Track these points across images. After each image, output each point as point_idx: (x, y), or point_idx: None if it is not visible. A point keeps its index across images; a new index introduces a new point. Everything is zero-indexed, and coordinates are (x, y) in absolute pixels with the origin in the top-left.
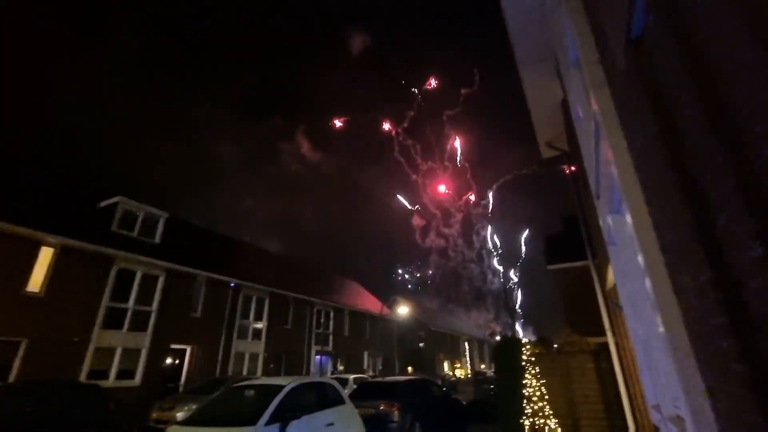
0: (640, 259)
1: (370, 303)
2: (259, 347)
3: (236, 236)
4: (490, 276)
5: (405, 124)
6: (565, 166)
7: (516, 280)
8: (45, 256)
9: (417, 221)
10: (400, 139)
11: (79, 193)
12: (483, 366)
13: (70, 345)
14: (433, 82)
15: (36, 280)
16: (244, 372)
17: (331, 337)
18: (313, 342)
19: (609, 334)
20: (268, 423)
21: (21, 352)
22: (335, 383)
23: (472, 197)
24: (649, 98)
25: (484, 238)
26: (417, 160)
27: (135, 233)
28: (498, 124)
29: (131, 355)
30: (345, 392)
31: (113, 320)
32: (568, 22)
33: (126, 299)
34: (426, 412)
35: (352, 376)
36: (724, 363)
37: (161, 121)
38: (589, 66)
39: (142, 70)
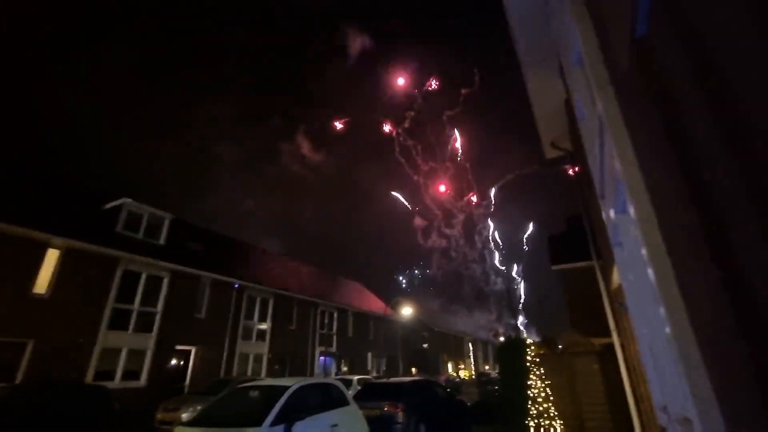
0: (646, 259)
1: (373, 304)
2: (264, 348)
3: (239, 237)
4: (492, 276)
5: (406, 125)
6: (568, 166)
7: (519, 279)
8: (51, 257)
9: (419, 222)
10: (401, 139)
11: (84, 194)
12: (487, 367)
13: (76, 346)
14: (434, 83)
15: (42, 282)
16: (249, 373)
17: (335, 338)
18: (317, 343)
19: (614, 335)
20: (273, 424)
21: (27, 353)
22: (340, 384)
23: (474, 198)
24: (654, 98)
25: (487, 238)
26: (418, 161)
27: (140, 235)
28: (500, 124)
29: (136, 356)
30: (349, 393)
31: (119, 321)
32: (572, 22)
33: (131, 300)
34: (430, 413)
35: (356, 377)
36: (732, 364)
37: (163, 122)
38: (593, 65)
39: (143, 72)
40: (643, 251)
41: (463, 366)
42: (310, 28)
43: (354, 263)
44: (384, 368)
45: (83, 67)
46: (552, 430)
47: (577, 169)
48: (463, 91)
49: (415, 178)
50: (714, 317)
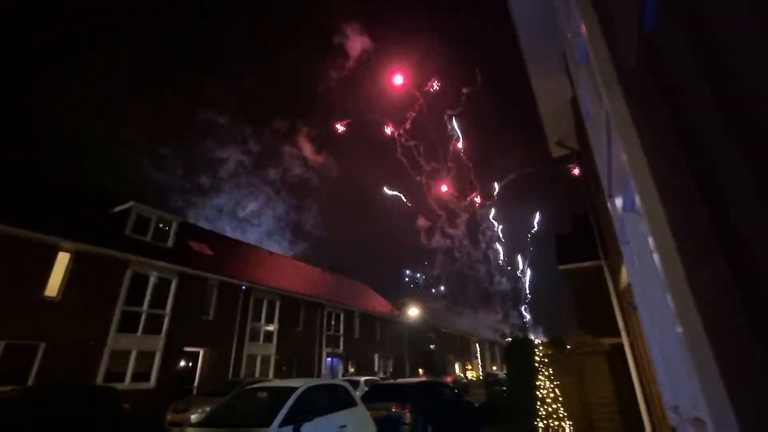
0: (655, 258)
1: (379, 305)
2: (271, 350)
3: (245, 239)
4: (497, 276)
5: (408, 126)
6: (574, 165)
7: (525, 279)
8: (62, 261)
9: (422, 222)
10: (403, 140)
11: (93, 198)
12: (495, 368)
13: (87, 348)
14: (435, 85)
15: (53, 285)
16: (257, 374)
17: (341, 340)
18: (324, 344)
19: (623, 334)
20: (281, 425)
21: (39, 356)
22: (347, 385)
23: (478, 199)
24: (662, 95)
25: (491, 238)
26: (421, 162)
27: (148, 238)
28: (503, 123)
29: (146, 358)
30: (357, 394)
31: (128, 324)
32: (577, 18)
33: (140, 303)
34: (438, 414)
35: (363, 378)
36: (745, 363)
37: (167, 126)
38: (599, 62)
39: (146, 77)
40: (652, 249)
41: (470, 367)
42: (310, 29)
43: (359, 264)
44: (391, 369)
45: (88, 72)
46: (561, 430)
47: (582, 167)
48: (465, 90)
49: (418, 178)
50: (725, 315)
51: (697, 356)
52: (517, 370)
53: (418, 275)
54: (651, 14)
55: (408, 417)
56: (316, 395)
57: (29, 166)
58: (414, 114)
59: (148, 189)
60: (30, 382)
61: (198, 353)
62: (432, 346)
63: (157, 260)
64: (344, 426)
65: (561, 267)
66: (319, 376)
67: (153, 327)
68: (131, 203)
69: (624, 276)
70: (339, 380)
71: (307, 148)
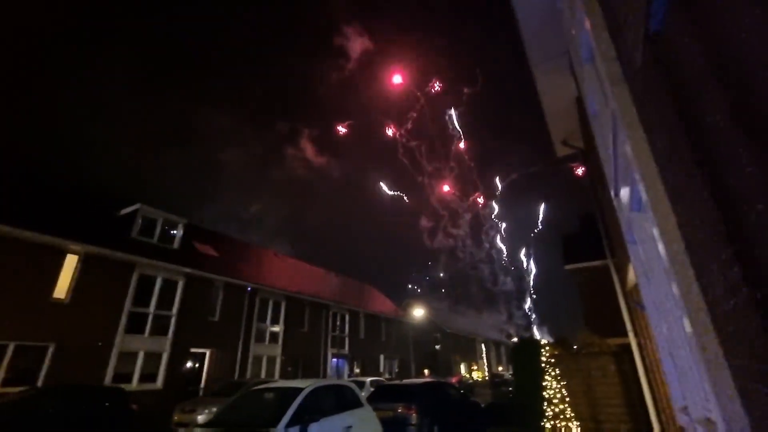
0: (664, 257)
1: (384, 306)
2: (276, 350)
3: (250, 240)
4: (501, 276)
5: (409, 126)
6: (578, 164)
7: (528, 275)
8: (70, 263)
9: (425, 223)
10: (404, 141)
11: (100, 201)
12: (500, 368)
13: (95, 349)
14: (437, 86)
15: (62, 287)
16: (262, 375)
17: (347, 340)
18: (329, 345)
19: (631, 334)
20: (288, 425)
21: (48, 357)
22: (353, 386)
23: (481, 199)
24: (670, 94)
25: (494, 238)
26: (423, 162)
27: (155, 239)
28: (506, 122)
29: (153, 358)
30: (363, 395)
31: (135, 325)
32: (583, 17)
33: (147, 304)
34: (444, 415)
35: (368, 379)
36: (756, 363)
37: (170, 129)
38: (605, 62)
39: (149, 80)
40: (661, 249)
41: (475, 367)
42: (311, 30)
43: (364, 265)
44: (396, 370)
45: (93, 76)
46: (568, 431)
47: (586, 166)
48: (466, 90)
49: (420, 178)
50: (736, 315)
51: (707, 356)
52: (523, 370)
53: (424, 275)
54: (657, 13)
55: (414, 417)
56: (322, 396)
57: (37, 169)
58: (415, 114)
59: (153, 191)
60: (40, 382)
61: (204, 354)
62: (437, 347)
63: (163, 262)
64: (350, 427)
65: (567, 267)
66: (324, 376)
67: (160, 328)
68: (137, 205)
69: (631, 275)
70: (345, 381)
71: (311, 150)
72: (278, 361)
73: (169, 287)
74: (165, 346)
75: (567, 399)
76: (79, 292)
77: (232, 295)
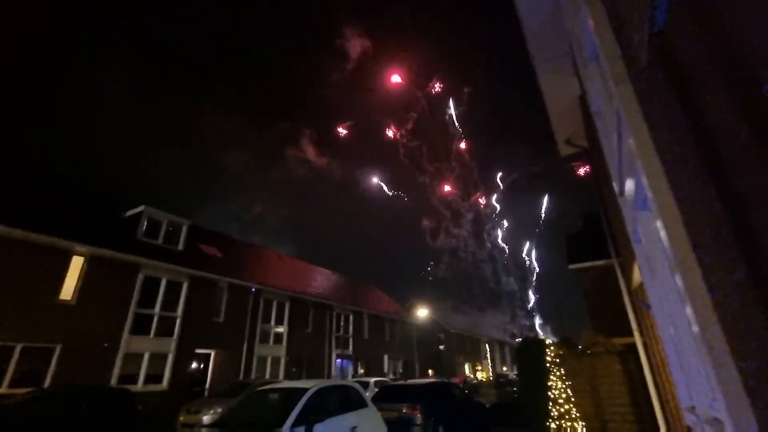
0: (669, 256)
1: (388, 306)
2: (281, 351)
3: (254, 241)
4: (504, 277)
5: (410, 126)
6: (582, 163)
7: (531, 275)
8: (76, 265)
9: (427, 223)
10: (405, 141)
11: (105, 203)
12: (505, 368)
13: (101, 351)
14: (437, 86)
15: (68, 289)
16: (267, 375)
17: (351, 341)
18: (333, 345)
19: (636, 334)
20: (293, 426)
21: (55, 358)
22: (358, 386)
23: (483, 200)
24: (675, 92)
25: (496, 237)
26: (424, 162)
27: (159, 241)
28: (508, 122)
29: (158, 360)
30: (367, 395)
31: (141, 326)
32: (586, 16)
33: (152, 305)
34: (448, 415)
35: (373, 380)
36: (763, 362)
37: (171, 130)
38: (609, 61)
39: (149, 80)
40: (667, 248)
41: (480, 367)
42: (312, 31)
43: (367, 265)
44: (400, 370)
45: (94, 77)
46: (573, 431)
47: (591, 165)
48: (467, 90)
49: (422, 179)
50: (743, 313)
51: (714, 355)
52: (528, 370)
53: (427, 276)
54: (661, 12)
55: (419, 418)
56: (327, 396)
57: (43, 172)
58: (416, 115)
59: (156, 192)
60: (46, 384)
61: (209, 355)
62: (441, 347)
63: (168, 263)
64: (355, 427)
65: (571, 267)
66: (328, 377)
67: (165, 329)
68: (142, 207)
69: (636, 275)
70: (350, 381)
71: (313, 151)
72: (282, 361)
73: (174, 288)
74: (170, 347)
75: (572, 399)
76: (85, 294)
77: (237, 296)
